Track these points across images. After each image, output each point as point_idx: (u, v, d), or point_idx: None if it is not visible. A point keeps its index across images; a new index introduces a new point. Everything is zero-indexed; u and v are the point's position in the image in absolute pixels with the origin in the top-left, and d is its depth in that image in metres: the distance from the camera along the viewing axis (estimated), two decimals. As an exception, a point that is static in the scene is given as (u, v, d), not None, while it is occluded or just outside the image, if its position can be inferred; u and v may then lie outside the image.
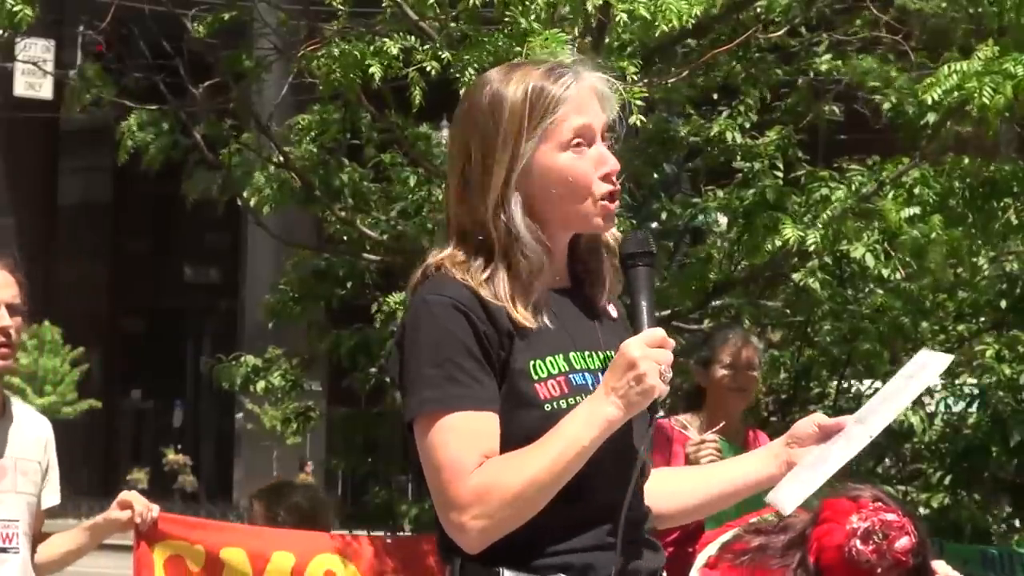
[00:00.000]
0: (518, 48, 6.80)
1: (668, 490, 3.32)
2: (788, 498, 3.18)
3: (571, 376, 3.06)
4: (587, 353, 3.11)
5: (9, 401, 5.05)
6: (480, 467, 2.95)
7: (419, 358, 3.03)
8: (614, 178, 3.11)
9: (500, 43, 6.93)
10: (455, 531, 2.97)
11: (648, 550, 3.13)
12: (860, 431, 3.23)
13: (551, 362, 3.06)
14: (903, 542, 3.27)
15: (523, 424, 3.01)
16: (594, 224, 3.12)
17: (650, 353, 2.93)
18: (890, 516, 3.27)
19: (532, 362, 3.04)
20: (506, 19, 7.05)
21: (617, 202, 3.13)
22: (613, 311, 3.24)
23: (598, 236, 3.18)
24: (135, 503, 5.11)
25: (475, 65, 6.90)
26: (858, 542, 3.25)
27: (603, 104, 3.13)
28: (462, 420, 2.98)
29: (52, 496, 5.10)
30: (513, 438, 3.00)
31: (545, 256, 3.08)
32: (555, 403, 3.03)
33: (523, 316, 3.04)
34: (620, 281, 3.19)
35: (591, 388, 3.05)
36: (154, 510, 5.08)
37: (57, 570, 5.24)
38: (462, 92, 6.85)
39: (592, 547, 3.02)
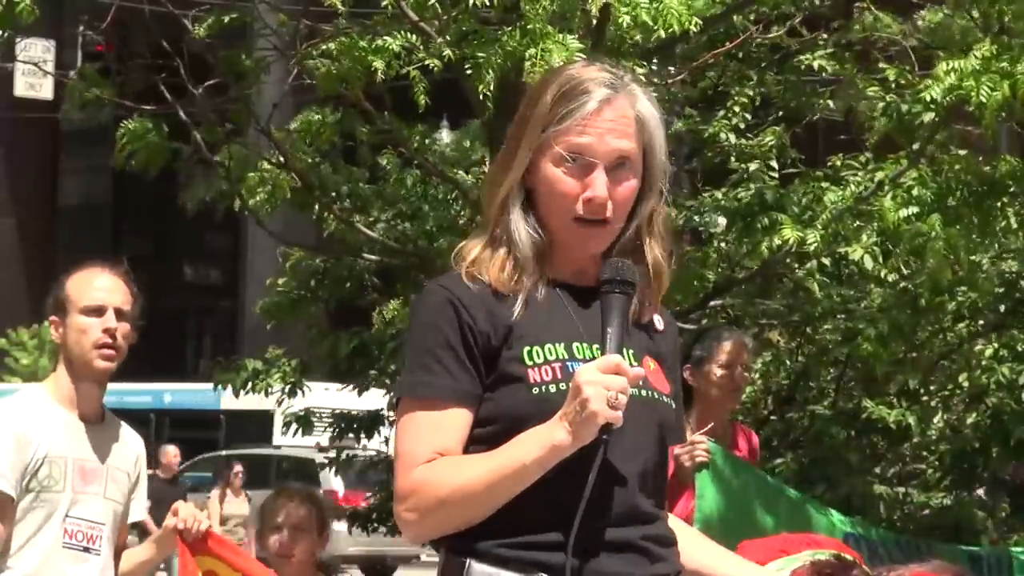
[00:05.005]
0: (532, 49, 6.81)
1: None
2: None
3: (568, 363, 3.09)
4: (596, 346, 3.11)
5: (108, 411, 5.18)
6: (428, 463, 3.03)
7: (408, 344, 3.17)
8: (598, 207, 3.10)
9: (511, 42, 6.93)
10: (397, 519, 3.10)
11: (638, 556, 3.11)
12: None
13: (549, 349, 3.09)
14: None
15: (512, 406, 3.06)
16: (567, 241, 3.14)
17: (599, 379, 2.95)
18: None
19: (528, 349, 3.09)
20: (523, 15, 7.06)
21: (597, 228, 3.12)
22: (659, 323, 3.26)
23: (649, 263, 3.20)
24: (180, 510, 5.18)
25: (490, 64, 6.91)
26: None
27: (628, 130, 3.12)
28: (425, 412, 3.06)
29: (139, 511, 5.23)
30: (502, 420, 3.06)
31: (531, 253, 3.12)
32: (544, 387, 3.06)
33: (519, 302, 3.10)
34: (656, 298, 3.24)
35: None
36: (203, 523, 5.14)
37: None
38: (477, 85, 6.93)
39: (559, 544, 3.02)
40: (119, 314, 5.00)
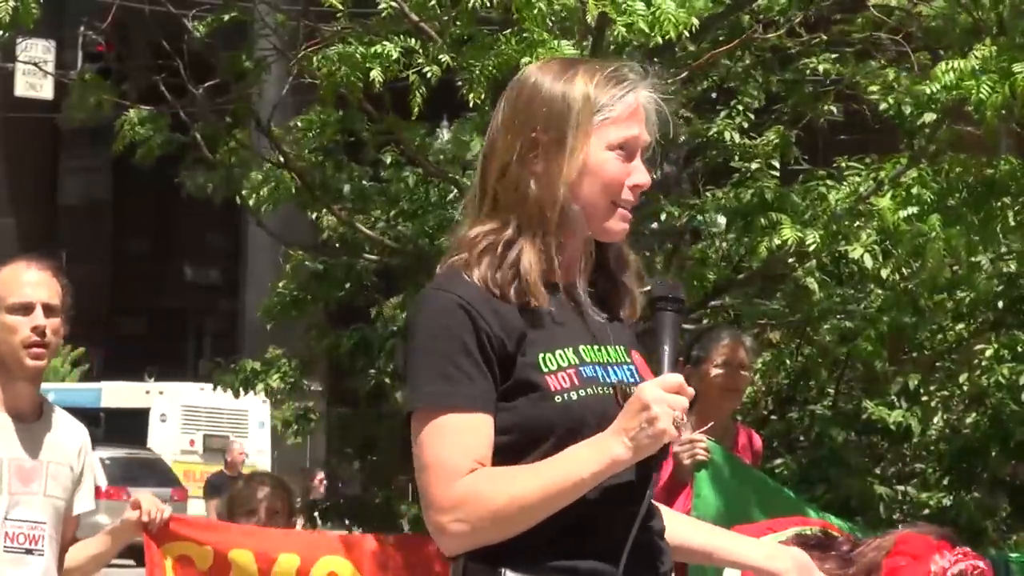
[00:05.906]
0: (527, 59, 6.82)
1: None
2: None
3: (581, 368, 3.08)
4: (597, 347, 3.13)
5: (47, 405, 5.09)
6: (471, 473, 2.98)
7: (419, 352, 3.06)
8: (639, 193, 3.15)
9: (507, 49, 6.95)
10: (434, 531, 3.02)
11: (653, 553, 3.14)
12: None
13: (561, 355, 3.08)
14: None
15: (536, 416, 3.03)
16: (606, 228, 3.15)
17: (665, 398, 2.95)
18: (980, 564, 3.38)
19: (542, 355, 3.06)
20: (516, 23, 7.07)
21: (628, 217, 3.16)
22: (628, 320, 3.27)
23: (622, 252, 3.23)
24: (143, 502, 5.14)
25: (485, 72, 6.93)
26: None
27: (649, 121, 3.19)
28: (454, 421, 3.00)
29: (85, 502, 5.13)
30: (521, 429, 3.03)
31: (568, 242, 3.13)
32: (566, 395, 3.04)
33: (540, 296, 3.07)
34: (642, 302, 3.24)
35: (600, 380, 3.09)
36: (165, 511, 5.10)
37: None
38: (469, 95, 6.94)
39: (596, 553, 3.03)
40: (48, 310, 4.92)
